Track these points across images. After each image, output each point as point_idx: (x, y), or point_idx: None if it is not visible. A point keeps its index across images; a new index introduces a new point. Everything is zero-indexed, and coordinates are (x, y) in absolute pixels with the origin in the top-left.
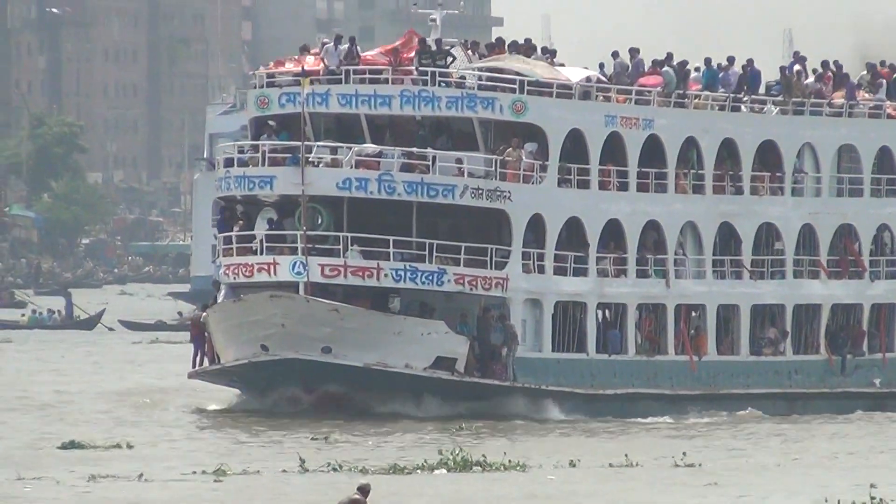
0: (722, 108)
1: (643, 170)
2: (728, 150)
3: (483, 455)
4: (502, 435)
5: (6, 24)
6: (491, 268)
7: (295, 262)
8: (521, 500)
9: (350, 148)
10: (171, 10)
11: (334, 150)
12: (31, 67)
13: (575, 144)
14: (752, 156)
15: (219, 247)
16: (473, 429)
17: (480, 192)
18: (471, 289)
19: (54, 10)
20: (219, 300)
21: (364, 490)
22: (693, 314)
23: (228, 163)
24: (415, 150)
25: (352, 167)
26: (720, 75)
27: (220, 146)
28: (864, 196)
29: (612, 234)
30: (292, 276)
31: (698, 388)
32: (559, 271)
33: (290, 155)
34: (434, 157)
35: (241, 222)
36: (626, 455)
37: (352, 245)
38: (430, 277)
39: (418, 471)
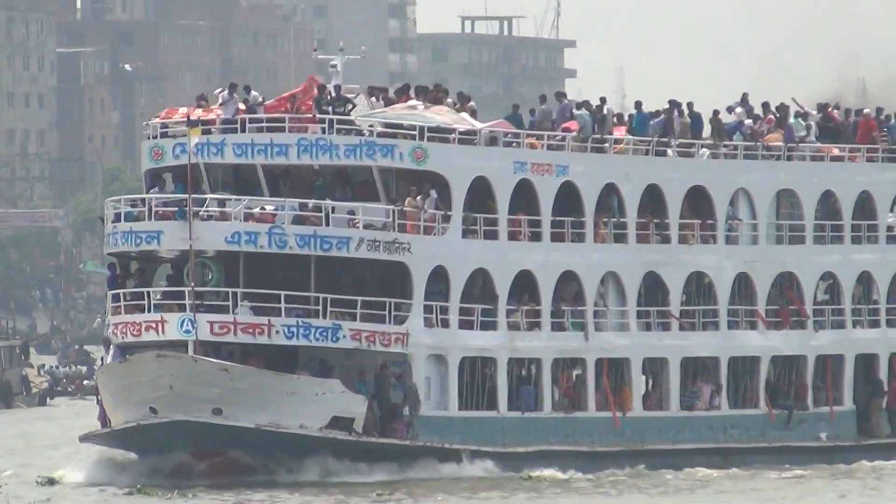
0: (646, 153)
1: (557, 218)
2: (653, 197)
3: None
4: (423, 497)
5: (80, 80)
6: (390, 322)
7: (183, 320)
8: None
9: (240, 200)
10: (245, 63)
11: (223, 203)
12: (104, 123)
13: (482, 193)
14: (679, 202)
15: (108, 304)
16: (390, 493)
17: (377, 243)
18: (368, 345)
19: (127, 66)
20: (106, 360)
21: None
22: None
23: (117, 217)
24: (310, 201)
25: (241, 220)
26: (652, 122)
27: (108, 200)
28: (806, 243)
29: (527, 285)
30: (181, 335)
31: (621, 445)
32: (465, 325)
33: (176, 208)
34: (329, 209)
35: (134, 279)
36: None
37: (242, 301)
38: (325, 333)
39: None
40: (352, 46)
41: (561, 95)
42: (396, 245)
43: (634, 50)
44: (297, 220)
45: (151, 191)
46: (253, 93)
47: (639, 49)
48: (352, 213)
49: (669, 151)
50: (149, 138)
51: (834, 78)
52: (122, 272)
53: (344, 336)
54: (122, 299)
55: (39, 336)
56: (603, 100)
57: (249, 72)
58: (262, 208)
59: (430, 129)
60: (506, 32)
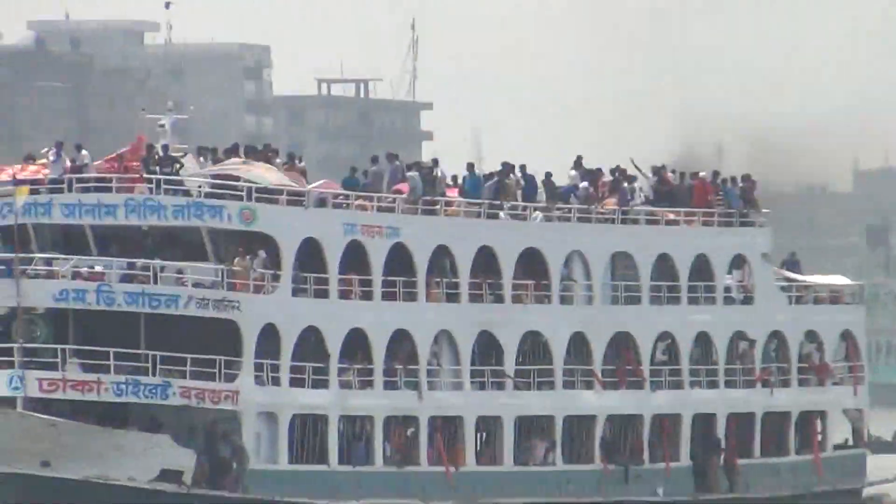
0: (479, 216)
1: (389, 278)
2: (486, 258)
3: None
4: None
5: None
6: (220, 380)
7: (12, 377)
8: None
9: (68, 260)
10: (101, 126)
11: (50, 262)
12: None
13: (313, 251)
14: (512, 263)
15: None
16: None
17: (206, 302)
18: (198, 402)
19: None
20: None
21: None
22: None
23: None
24: (138, 261)
25: (69, 279)
26: (486, 184)
27: None
28: (642, 303)
29: (360, 344)
30: (9, 392)
31: (454, 499)
32: (296, 383)
33: (3, 267)
34: (158, 268)
35: None
36: None
37: (71, 357)
38: (155, 391)
39: None
40: (207, 108)
41: (392, 157)
42: (226, 303)
43: (493, 112)
44: (126, 279)
45: None
46: (83, 151)
47: (497, 111)
48: (180, 272)
49: (502, 214)
50: None
51: (682, 138)
52: None
53: (174, 393)
54: None
55: None
56: (435, 161)
57: (107, 133)
58: (91, 267)
59: (258, 190)
60: (362, 95)
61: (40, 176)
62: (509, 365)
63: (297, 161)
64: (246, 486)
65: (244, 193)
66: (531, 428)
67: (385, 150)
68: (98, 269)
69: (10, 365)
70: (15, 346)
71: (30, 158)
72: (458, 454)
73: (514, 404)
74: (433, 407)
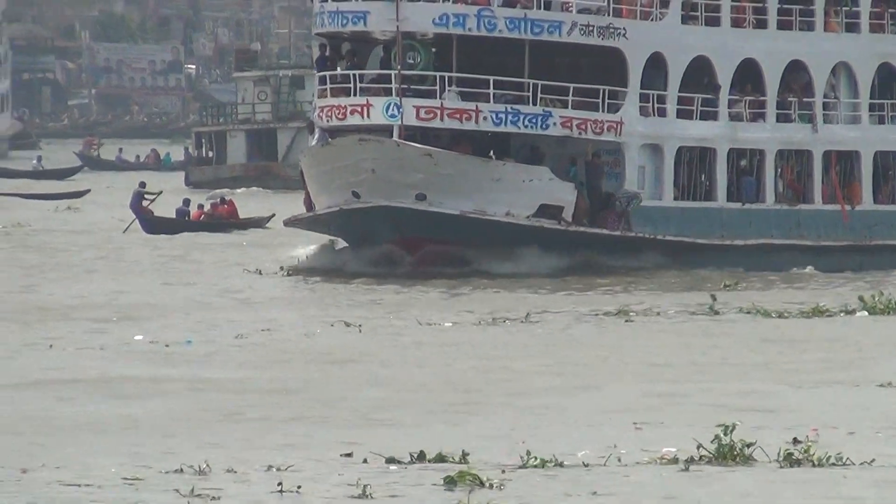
0: None
1: (785, 6)
2: None
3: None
4: (786, 286)
5: None
6: (603, 110)
7: (389, 104)
8: None
9: None
10: None
11: None
12: None
13: None
14: None
15: (315, 87)
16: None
17: (591, 28)
18: (580, 133)
19: None
20: (311, 143)
21: None
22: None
23: None
24: None
25: (450, 2)
26: None
27: None
28: None
29: (751, 75)
30: (386, 119)
31: (849, 239)
32: (684, 115)
33: None
34: None
35: (346, 61)
36: None
37: (450, 86)
38: (534, 120)
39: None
40: None
41: None
42: (612, 30)
43: None
44: (508, 3)
45: None
46: None
47: None
48: None
49: None
50: None
51: None
52: (333, 54)
53: (554, 123)
54: (328, 82)
55: None
56: None
57: None
58: None
59: None
60: None
61: None
62: None
63: None
64: (629, 224)
65: None
66: None
67: None
68: None
69: (388, 93)
70: (393, 73)
71: None
72: (854, 192)
73: None
74: (828, 141)
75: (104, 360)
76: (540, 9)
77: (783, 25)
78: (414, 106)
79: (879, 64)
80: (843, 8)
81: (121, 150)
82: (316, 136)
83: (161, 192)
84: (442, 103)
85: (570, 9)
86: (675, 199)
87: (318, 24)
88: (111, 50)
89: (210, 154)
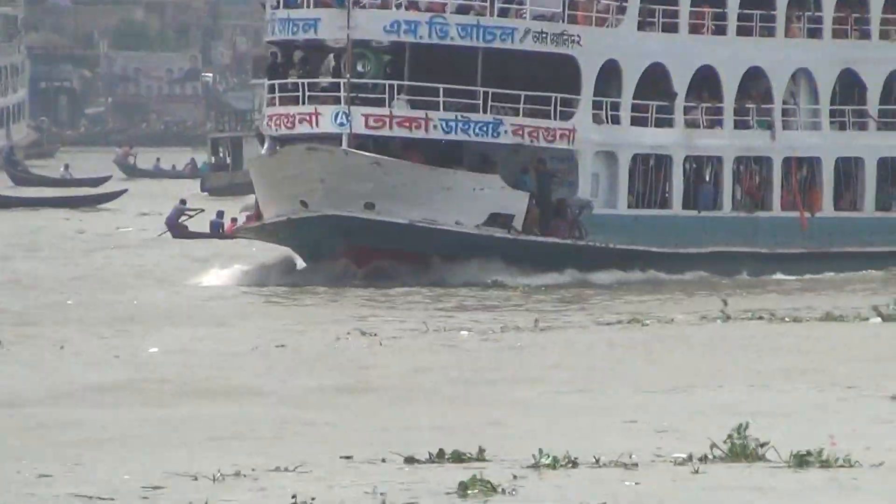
0: None
1: (745, 11)
2: None
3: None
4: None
5: None
6: (555, 118)
7: (338, 113)
8: None
9: None
10: None
11: None
12: None
13: None
14: None
15: (264, 95)
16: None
17: (545, 35)
18: (532, 140)
19: None
20: (260, 153)
21: None
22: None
23: (276, 3)
24: None
25: (403, 9)
26: None
27: None
28: None
29: (708, 82)
30: (335, 128)
31: (808, 247)
32: (638, 122)
33: None
34: None
35: (297, 69)
36: None
37: (398, 94)
38: (485, 128)
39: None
40: None
41: None
42: (565, 37)
43: None
44: (461, 10)
45: None
46: None
47: None
48: (520, 2)
49: None
50: None
51: None
52: (284, 62)
53: (505, 131)
54: (276, 90)
55: None
56: None
57: None
58: None
59: None
60: None
61: None
62: (872, 105)
63: None
64: (582, 233)
65: None
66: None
67: None
68: None
69: (337, 101)
70: (342, 81)
71: None
72: (815, 199)
73: (878, 146)
74: (788, 147)
75: (118, 368)
76: (494, 16)
77: (743, 31)
78: (363, 115)
79: (841, 70)
80: (806, 13)
81: (158, 159)
82: (266, 145)
83: (202, 210)
84: (391, 112)
85: (524, 15)
86: (630, 206)
87: (269, 33)
88: (128, 58)
89: (227, 160)
